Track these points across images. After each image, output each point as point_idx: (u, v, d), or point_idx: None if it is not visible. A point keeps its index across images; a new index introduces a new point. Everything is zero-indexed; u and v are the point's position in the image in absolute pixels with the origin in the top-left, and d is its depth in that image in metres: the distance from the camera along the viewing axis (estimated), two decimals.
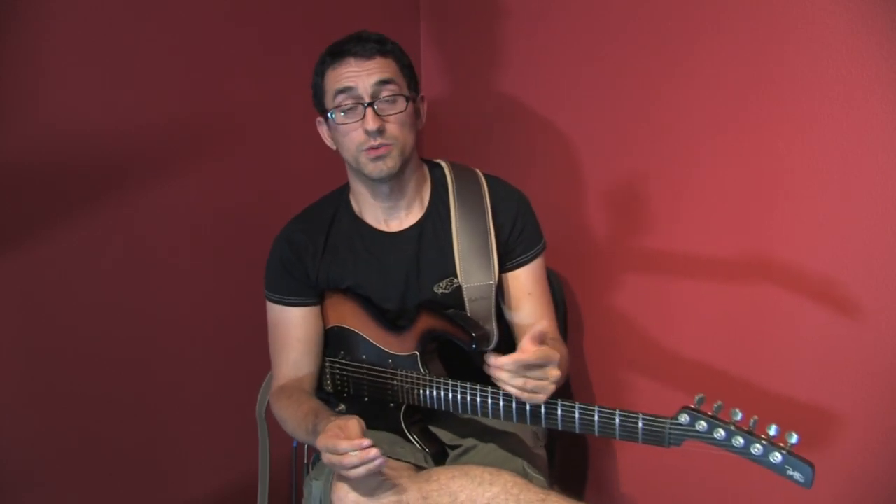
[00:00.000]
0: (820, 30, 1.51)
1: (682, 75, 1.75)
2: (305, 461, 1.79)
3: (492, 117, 2.26)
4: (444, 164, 1.75)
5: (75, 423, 1.86)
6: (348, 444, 1.33)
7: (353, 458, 1.33)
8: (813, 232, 1.57)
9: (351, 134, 1.57)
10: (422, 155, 1.73)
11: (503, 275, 1.69)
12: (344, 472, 1.37)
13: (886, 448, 1.50)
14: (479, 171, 1.73)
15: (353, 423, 1.39)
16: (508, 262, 1.69)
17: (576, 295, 2.05)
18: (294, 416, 1.62)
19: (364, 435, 1.36)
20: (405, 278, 1.67)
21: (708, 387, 1.72)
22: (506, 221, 1.67)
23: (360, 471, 1.34)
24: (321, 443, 1.40)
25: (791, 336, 1.62)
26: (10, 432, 1.77)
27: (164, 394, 2.00)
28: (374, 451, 1.32)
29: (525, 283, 1.70)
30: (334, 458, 1.36)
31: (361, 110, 1.54)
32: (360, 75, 1.54)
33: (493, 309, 1.65)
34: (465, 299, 1.64)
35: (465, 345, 1.55)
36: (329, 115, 1.59)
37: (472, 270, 1.63)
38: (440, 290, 1.67)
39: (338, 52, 1.58)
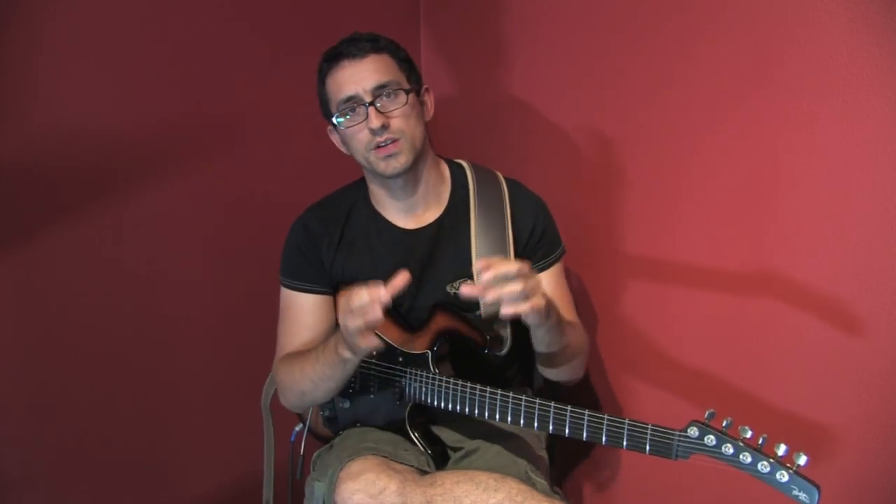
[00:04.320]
0: (820, 30, 1.46)
1: (682, 75, 1.70)
2: (302, 453, 1.76)
3: (491, 117, 2.22)
4: (465, 164, 1.71)
5: (76, 423, 1.84)
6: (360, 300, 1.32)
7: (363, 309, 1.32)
8: (814, 234, 1.53)
9: (358, 135, 1.55)
10: None
11: None
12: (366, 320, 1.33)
13: (886, 452, 1.46)
14: (500, 176, 1.70)
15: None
16: None
17: (580, 297, 2.00)
18: (298, 362, 1.59)
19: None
20: (419, 276, 1.63)
21: (711, 393, 1.71)
22: (525, 227, 1.64)
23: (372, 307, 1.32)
24: (342, 320, 1.36)
25: (792, 341, 1.58)
26: (11, 432, 1.75)
27: (165, 392, 1.98)
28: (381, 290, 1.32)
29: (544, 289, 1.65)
30: (357, 323, 1.33)
31: (364, 111, 1.52)
32: (356, 77, 1.53)
33: None
34: (480, 302, 1.58)
35: (478, 347, 1.52)
36: (334, 121, 1.57)
37: None
38: (453, 290, 1.63)
39: (332, 57, 1.57)
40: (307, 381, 1.57)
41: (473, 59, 2.26)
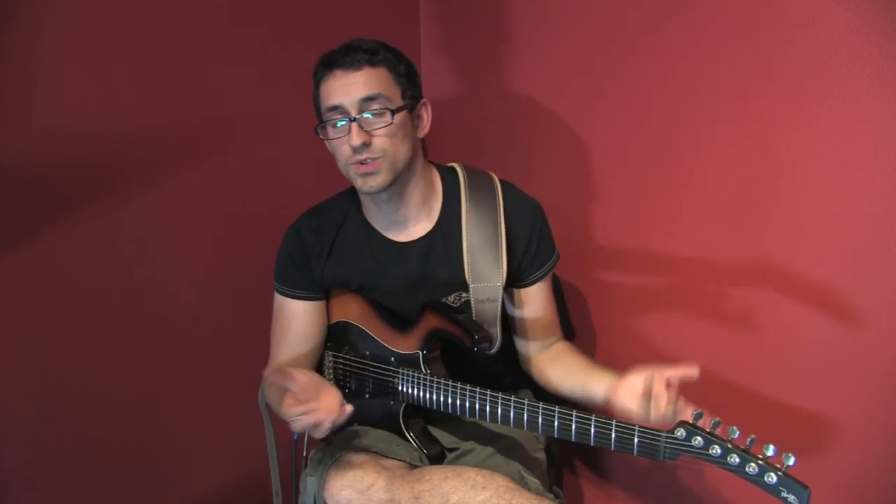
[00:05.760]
0: (820, 29, 1.46)
1: (682, 75, 1.69)
2: (304, 454, 1.74)
3: (490, 118, 2.21)
4: (458, 168, 1.67)
5: (76, 423, 1.84)
6: (297, 409, 1.37)
7: (301, 421, 1.38)
8: (814, 234, 1.52)
9: (340, 148, 1.51)
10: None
11: (517, 290, 1.65)
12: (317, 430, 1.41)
13: (885, 452, 1.45)
14: (494, 177, 1.66)
15: (297, 382, 1.42)
16: (523, 279, 1.64)
17: (575, 299, 2.00)
18: (276, 387, 1.59)
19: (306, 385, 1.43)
20: (412, 291, 1.62)
21: (710, 391, 1.69)
22: (520, 237, 1.61)
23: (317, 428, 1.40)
24: (286, 414, 1.41)
25: (791, 340, 1.57)
26: (11, 432, 1.75)
27: (165, 392, 1.97)
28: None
29: (537, 298, 1.66)
30: (301, 423, 1.39)
31: (348, 125, 1.48)
32: (345, 89, 1.48)
33: (500, 312, 1.59)
34: (472, 300, 1.58)
35: (466, 346, 1.51)
36: (318, 128, 1.55)
37: (480, 271, 1.58)
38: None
39: (327, 63, 1.52)
40: (276, 406, 1.60)
41: (473, 59, 2.25)
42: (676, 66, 1.70)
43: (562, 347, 1.68)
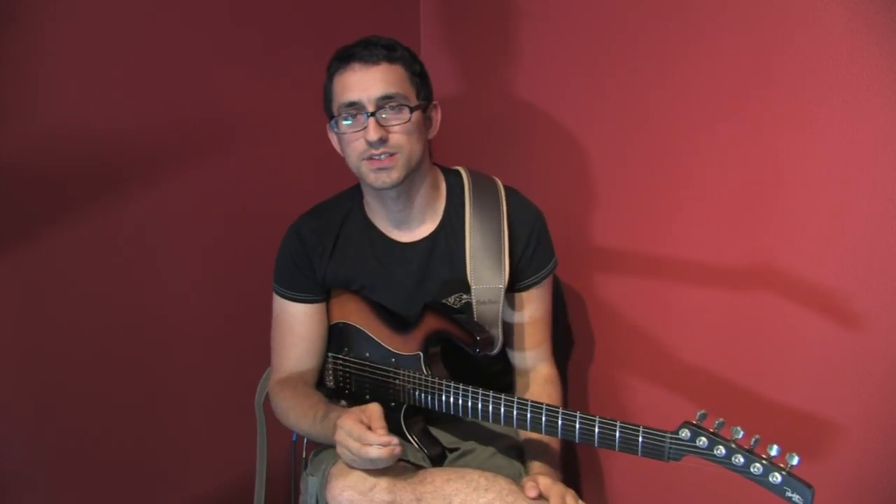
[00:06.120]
0: (820, 29, 1.46)
1: (682, 76, 1.69)
2: (304, 455, 1.75)
3: (490, 118, 2.20)
4: (462, 171, 1.67)
5: (76, 423, 1.82)
6: (375, 438, 1.33)
7: (375, 451, 1.33)
8: (814, 235, 1.52)
9: (353, 143, 1.50)
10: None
11: (512, 294, 1.64)
12: (354, 461, 1.38)
13: (885, 452, 1.45)
14: (498, 182, 1.66)
15: (375, 409, 1.39)
16: (520, 282, 1.63)
17: (576, 300, 2.00)
18: (300, 406, 1.59)
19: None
20: (413, 291, 1.62)
21: (711, 391, 1.70)
22: (520, 240, 1.61)
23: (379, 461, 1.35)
24: (344, 423, 1.37)
25: (792, 340, 1.57)
26: (11, 432, 1.74)
27: (165, 392, 1.96)
28: (398, 450, 1.33)
29: (530, 305, 1.65)
30: (353, 445, 1.35)
31: (364, 120, 1.47)
32: (363, 84, 1.47)
33: (501, 314, 1.59)
34: (474, 301, 1.58)
35: (468, 348, 1.50)
36: (332, 123, 1.54)
37: (482, 273, 1.57)
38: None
39: (345, 57, 1.51)
40: (304, 429, 1.60)
41: (474, 59, 2.25)
42: (676, 66, 1.70)
43: (539, 388, 1.65)
